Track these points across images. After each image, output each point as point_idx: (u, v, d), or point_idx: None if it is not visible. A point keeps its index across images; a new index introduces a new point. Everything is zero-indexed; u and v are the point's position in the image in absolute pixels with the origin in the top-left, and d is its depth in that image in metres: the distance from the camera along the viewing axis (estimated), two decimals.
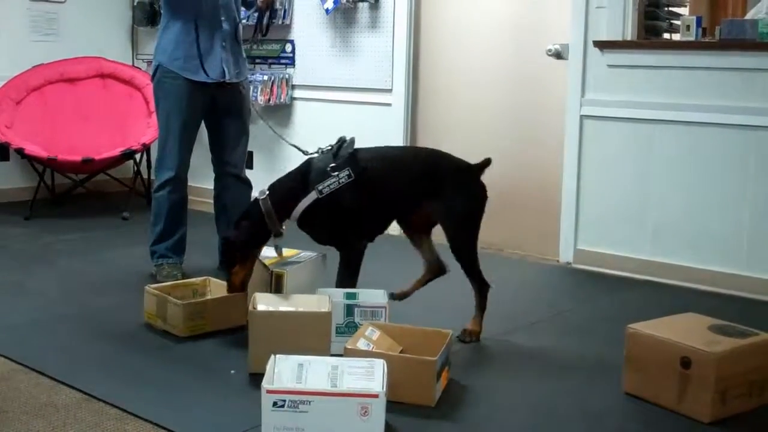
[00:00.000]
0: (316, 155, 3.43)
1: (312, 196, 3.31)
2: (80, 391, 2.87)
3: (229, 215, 4.39)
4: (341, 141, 3.45)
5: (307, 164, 3.40)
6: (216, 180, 4.42)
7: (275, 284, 3.38)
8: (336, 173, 3.32)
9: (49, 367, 3.05)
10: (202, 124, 4.33)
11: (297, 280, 3.41)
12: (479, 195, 3.57)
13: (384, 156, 3.53)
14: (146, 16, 6.71)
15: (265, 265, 3.44)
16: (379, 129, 5.56)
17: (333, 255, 3.58)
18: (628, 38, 4.55)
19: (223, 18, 4.14)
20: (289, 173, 3.44)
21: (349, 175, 3.32)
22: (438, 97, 5.41)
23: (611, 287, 4.39)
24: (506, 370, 3.21)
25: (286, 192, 3.37)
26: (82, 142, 6.10)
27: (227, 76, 4.19)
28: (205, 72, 4.13)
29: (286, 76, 5.97)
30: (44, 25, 6.46)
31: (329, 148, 3.44)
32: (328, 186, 3.30)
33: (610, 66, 4.58)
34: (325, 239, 3.47)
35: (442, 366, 2.90)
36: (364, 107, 5.64)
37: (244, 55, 4.37)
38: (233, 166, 4.37)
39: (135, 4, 6.80)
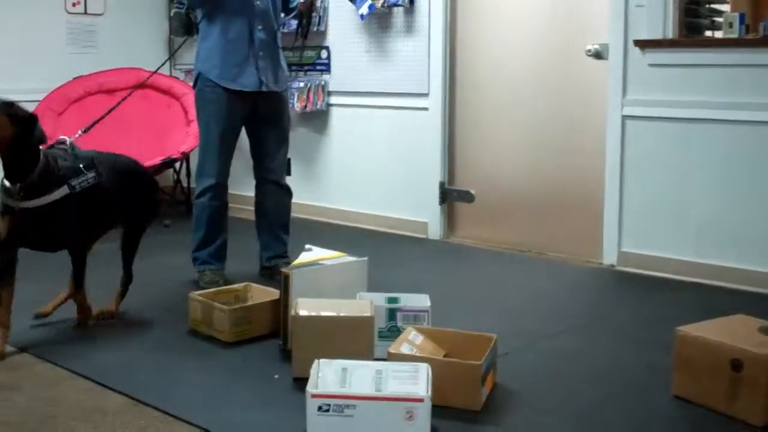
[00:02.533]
0: (54, 150, 3.41)
1: (64, 190, 3.29)
2: (127, 396, 2.89)
3: (269, 222, 4.42)
4: (64, 141, 3.49)
5: (51, 158, 3.32)
6: (257, 187, 4.44)
7: (283, 284, 3.37)
8: (87, 173, 3.38)
9: (96, 373, 3.08)
10: (243, 132, 4.35)
11: (309, 283, 3.38)
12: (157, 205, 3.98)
13: (104, 161, 3.56)
14: (183, 27, 6.75)
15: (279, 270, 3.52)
16: (416, 134, 5.55)
17: (377, 259, 3.55)
18: (669, 37, 4.49)
19: (259, 27, 4.16)
20: (45, 157, 3.29)
21: (94, 177, 3.41)
22: (476, 100, 5.38)
23: (656, 289, 4.33)
24: (551, 374, 3.17)
25: (51, 169, 3.28)
26: (123, 152, 6.14)
27: (264, 86, 4.21)
28: (241, 81, 4.16)
29: (322, 82, 5.98)
30: (83, 37, 6.53)
31: (62, 144, 3.46)
32: (80, 183, 3.33)
33: (651, 65, 4.53)
34: (61, 237, 3.39)
35: (487, 370, 2.88)
36: (400, 112, 5.64)
37: (284, 63, 4.39)
38: (273, 173, 4.39)
39: (171, 14, 6.85)
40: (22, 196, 3.19)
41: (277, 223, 4.43)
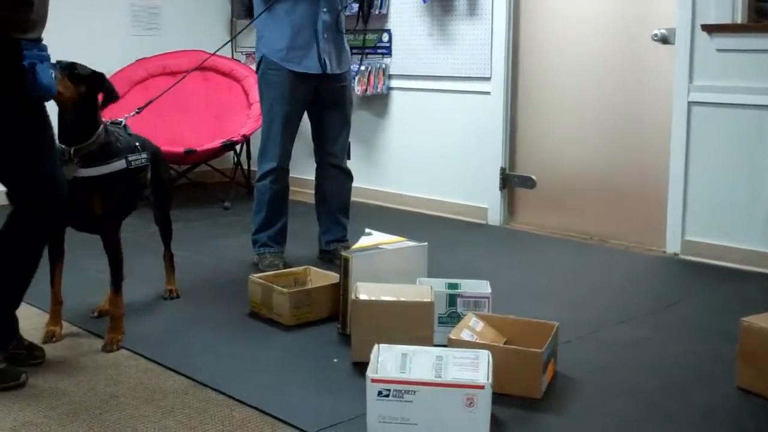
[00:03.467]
0: (111, 125, 3.32)
1: (122, 163, 3.21)
2: (188, 377, 2.92)
3: (329, 205, 4.42)
4: (119, 121, 3.40)
5: (109, 129, 3.25)
6: (317, 170, 4.44)
7: (343, 268, 3.37)
8: (141, 153, 3.35)
9: (157, 354, 3.11)
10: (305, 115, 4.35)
11: (369, 267, 3.37)
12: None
13: (147, 145, 3.49)
14: (244, 9, 6.81)
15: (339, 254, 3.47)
16: (478, 118, 5.51)
17: (436, 244, 3.53)
18: (738, 21, 4.38)
19: (324, 9, 4.15)
20: (105, 127, 3.21)
21: (146, 159, 3.38)
22: (539, 85, 5.32)
23: (721, 279, 4.25)
24: (613, 363, 3.13)
25: (110, 140, 3.22)
26: (185, 134, 6.22)
27: (328, 68, 4.19)
28: (305, 64, 4.15)
29: (383, 65, 5.95)
30: (146, 19, 6.61)
31: (117, 124, 3.36)
32: (135, 161, 3.29)
33: (719, 50, 4.42)
34: (103, 215, 3.19)
35: (548, 358, 2.85)
36: (462, 96, 5.59)
37: (347, 45, 4.37)
38: (334, 156, 4.39)
39: None
40: (76, 162, 3.09)
41: (337, 207, 4.43)
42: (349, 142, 4.58)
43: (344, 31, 4.33)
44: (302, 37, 4.14)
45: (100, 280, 3.60)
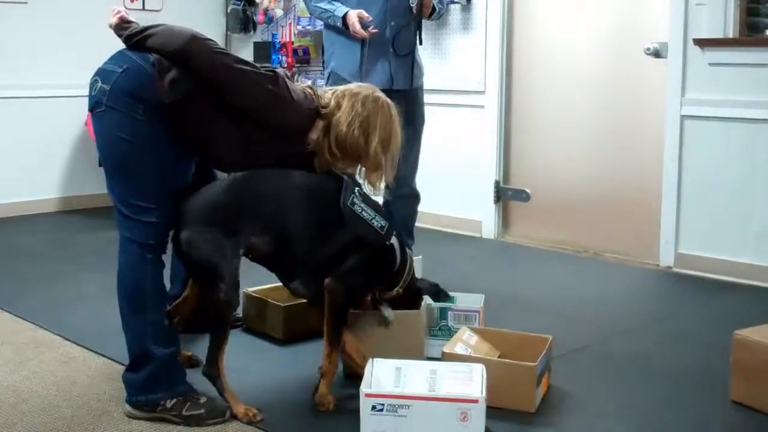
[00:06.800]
0: None
1: None
2: None
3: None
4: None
5: None
6: (386, 188, 4.28)
7: None
8: None
9: None
10: None
11: None
12: None
13: None
14: (239, 23, 6.82)
15: None
16: (472, 132, 5.52)
17: (431, 257, 3.53)
18: (730, 35, 4.41)
19: (392, 23, 4.01)
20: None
21: None
22: (533, 99, 5.34)
23: (714, 292, 4.26)
24: (607, 377, 3.14)
25: None
26: None
27: (394, 84, 4.04)
28: (372, 79, 3.94)
29: None
30: None
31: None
32: None
33: (711, 64, 4.45)
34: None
35: (542, 371, 2.85)
36: (456, 110, 5.61)
37: (419, 59, 4.21)
38: (404, 176, 4.11)
39: (228, 11, 6.90)
40: None
41: (401, 229, 4.09)
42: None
43: (416, 46, 4.12)
44: (370, 52, 3.99)
45: (90, 293, 3.61)
